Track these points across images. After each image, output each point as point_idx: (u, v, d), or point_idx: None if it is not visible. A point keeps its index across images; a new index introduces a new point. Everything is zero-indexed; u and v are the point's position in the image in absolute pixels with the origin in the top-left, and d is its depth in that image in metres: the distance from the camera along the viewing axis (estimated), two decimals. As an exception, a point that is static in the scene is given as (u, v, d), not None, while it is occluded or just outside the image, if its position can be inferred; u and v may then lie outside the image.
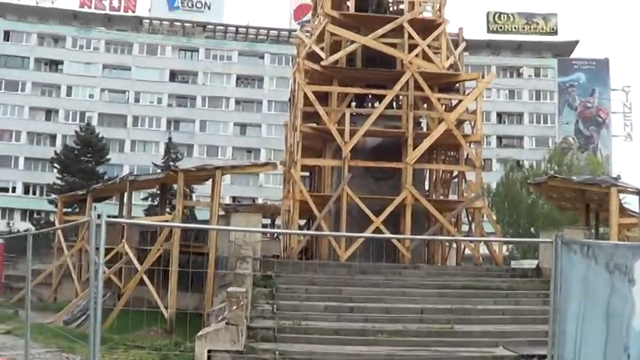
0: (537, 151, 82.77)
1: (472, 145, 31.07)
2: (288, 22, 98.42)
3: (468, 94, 31.94)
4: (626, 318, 8.37)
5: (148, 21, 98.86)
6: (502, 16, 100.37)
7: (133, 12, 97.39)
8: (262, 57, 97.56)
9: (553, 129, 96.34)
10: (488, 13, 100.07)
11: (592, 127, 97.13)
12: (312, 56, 32.08)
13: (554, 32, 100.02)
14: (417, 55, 31.17)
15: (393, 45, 31.74)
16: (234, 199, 79.48)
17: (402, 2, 33.49)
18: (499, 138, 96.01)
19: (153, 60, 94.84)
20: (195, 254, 24.36)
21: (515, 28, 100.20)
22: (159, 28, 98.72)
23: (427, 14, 34.45)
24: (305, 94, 29.59)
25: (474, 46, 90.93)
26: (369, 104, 33.37)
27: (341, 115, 29.81)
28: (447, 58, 31.98)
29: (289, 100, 38.23)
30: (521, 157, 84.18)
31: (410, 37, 31.45)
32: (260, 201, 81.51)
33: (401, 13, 33.30)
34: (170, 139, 76.39)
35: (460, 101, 31.23)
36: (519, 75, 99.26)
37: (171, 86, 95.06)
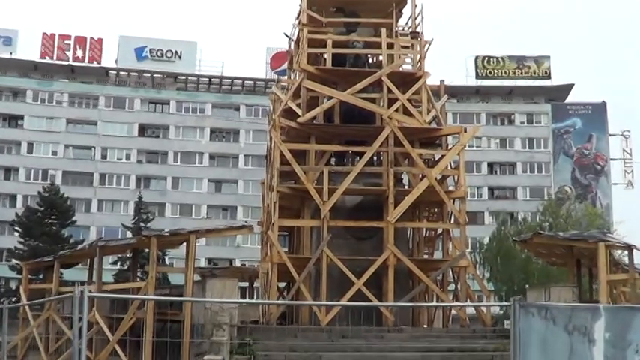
0: (531, 203, 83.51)
1: (456, 201, 31.89)
2: (264, 71, 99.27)
3: (450, 149, 32.67)
4: (586, 376, 9.50)
5: (114, 72, 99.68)
6: (491, 60, 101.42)
7: (99, 62, 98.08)
8: (237, 109, 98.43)
9: (548, 178, 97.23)
10: (476, 58, 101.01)
11: (590, 176, 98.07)
12: (289, 112, 32.92)
13: (547, 76, 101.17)
14: (396, 110, 31.78)
15: (372, 99, 32.50)
16: (209, 260, 79.94)
17: (381, 55, 34.08)
18: (491, 189, 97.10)
19: (120, 114, 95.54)
20: (170, 321, 25.16)
21: (505, 72, 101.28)
22: (126, 80, 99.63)
23: (407, 67, 35.44)
24: (281, 152, 30.34)
25: (462, 93, 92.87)
26: (349, 161, 34.25)
27: (319, 173, 30.44)
28: (428, 111, 32.73)
29: (265, 157, 38.98)
30: (515, 209, 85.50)
31: (389, 90, 32.03)
32: (237, 262, 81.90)
33: (380, 66, 33.99)
34: (140, 198, 76.80)
35: (443, 156, 32.19)
36: (511, 122, 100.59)
37: (140, 141, 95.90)
